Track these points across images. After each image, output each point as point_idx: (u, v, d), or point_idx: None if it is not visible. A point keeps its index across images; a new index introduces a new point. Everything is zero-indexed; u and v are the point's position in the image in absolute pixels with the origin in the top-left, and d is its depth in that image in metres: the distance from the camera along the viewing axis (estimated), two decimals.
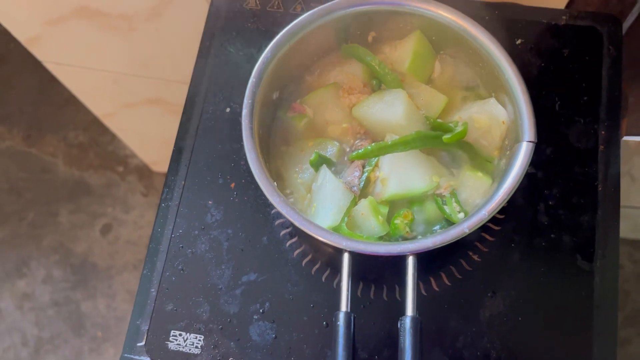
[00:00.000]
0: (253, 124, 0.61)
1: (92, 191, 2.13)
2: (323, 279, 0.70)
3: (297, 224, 0.57)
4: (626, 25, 0.88)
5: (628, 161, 1.49)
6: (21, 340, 1.94)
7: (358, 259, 0.68)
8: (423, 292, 0.69)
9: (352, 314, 0.54)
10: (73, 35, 1.20)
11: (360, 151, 0.63)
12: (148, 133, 1.69)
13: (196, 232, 0.72)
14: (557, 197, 0.71)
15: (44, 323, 1.96)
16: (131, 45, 1.22)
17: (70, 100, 2.16)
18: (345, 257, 0.57)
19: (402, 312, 0.55)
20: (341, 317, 0.53)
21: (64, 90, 1.50)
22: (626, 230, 1.81)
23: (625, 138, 1.22)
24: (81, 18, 1.12)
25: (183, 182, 0.75)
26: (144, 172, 2.11)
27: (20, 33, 1.23)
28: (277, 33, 0.65)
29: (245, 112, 0.60)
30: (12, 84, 2.24)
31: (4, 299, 1.98)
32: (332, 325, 0.67)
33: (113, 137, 2.15)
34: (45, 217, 2.09)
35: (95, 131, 2.19)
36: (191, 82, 0.80)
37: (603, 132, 0.74)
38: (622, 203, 0.72)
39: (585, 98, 0.75)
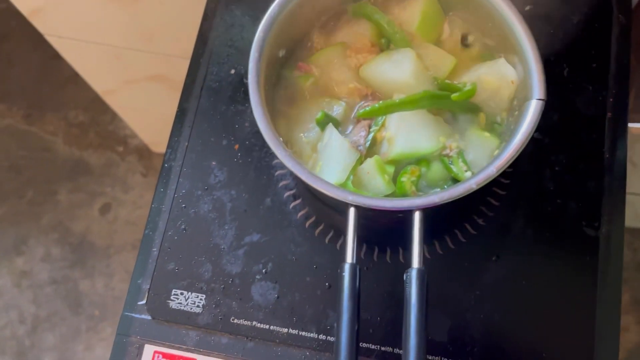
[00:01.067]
0: (259, 79, 0.60)
1: (91, 171, 2.13)
2: (326, 241, 0.69)
3: (303, 177, 0.56)
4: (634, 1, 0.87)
5: (630, 148, 1.48)
6: (18, 318, 1.94)
7: (363, 220, 0.68)
8: (427, 254, 0.68)
9: (357, 266, 0.53)
10: (75, 6, 1.19)
11: (367, 109, 0.63)
12: (148, 111, 1.68)
13: (199, 192, 0.72)
14: (564, 163, 0.71)
15: (41, 301, 1.96)
16: (134, 18, 1.20)
17: (71, 79, 2.15)
18: (351, 212, 0.56)
19: (408, 266, 0.55)
20: (347, 268, 0.52)
21: (65, 68, 1.49)
22: (628, 218, 1.81)
23: (630, 125, 1.22)
24: None
25: (186, 144, 0.74)
26: (143, 152, 2.11)
27: (23, 5, 1.21)
28: None
29: (251, 65, 0.60)
30: (13, 62, 2.23)
31: (1, 276, 1.98)
32: (334, 286, 0.67)
33: (113, 116, 2.14)
34: (45, 196, 2.09)
35: (95, 111, 2.18)
36: (195, 43, 0.79)
37: (611, 100, 0.73)
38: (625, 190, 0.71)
39: (594, 65, 0.75)
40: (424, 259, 0.67)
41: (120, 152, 2.14)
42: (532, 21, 0.76)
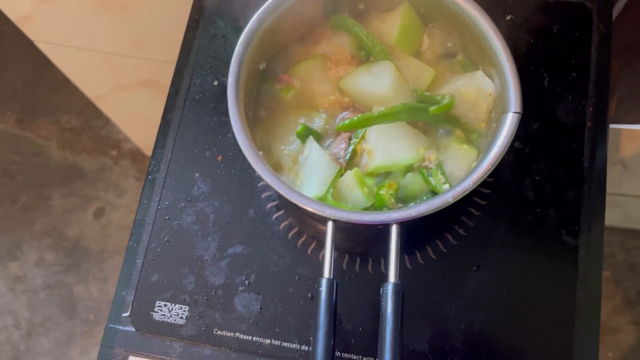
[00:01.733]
0: (239, 93, 0.60)
1: (85, 175, 2.13)
2: (309, 252, 0.70)
3: (281, 192, 0.57)
4: (618, 7, 0.88)
5: (620, 149, 1.49)
6: (13, 323, 1.94)
7: (344, 232, 0.68)
8: (408, 265, 0.69)
9: (335, 281, 0.54)
10: (64, 13, 1.19)
11: (346, 122, 0.63)
12: (141, 116, 1.68)
13: (182, 204, 0.72)
14: (544, 172, 0.71)
15: (36, 306, 1.96)
16: (123, 24, 1.21)
17: (63, 84, 2.15)
18: (330, 226, 0.57)
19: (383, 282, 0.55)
20: (324, 283, 0.53)
21: (57, 73, 1.50)
22: (617, 218, 1.82)
23: (617, 126, 1.22)
24: None
25: (170, 155, 0.74)
26: (137, 156, 2.11)
27: (12, 12, 1.22)
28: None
29: (230, 80, 0.60)
30: (5, 66, 2.23)
31: None
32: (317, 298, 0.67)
33: (106, 121, 2.14)
34: (38, 201, 2.09)
35: (88, 115, 2.18)
36: (179, 54, 0.80)
37: (591, 109, 0.74)
38: (614, 191, 0.72)
39: (574, 74, 0.75)
40: (404, 270, 0.68)
41: (114, 156, 2.14)
42: (513, 31, 0.77)
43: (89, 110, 2.16)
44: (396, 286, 0.52)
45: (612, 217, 1.78)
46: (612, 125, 0.78)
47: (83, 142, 2.18)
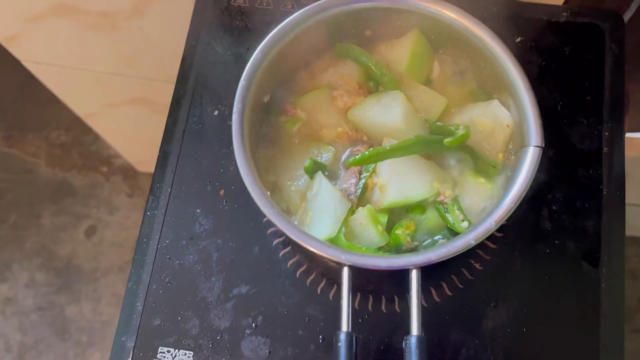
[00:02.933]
0: (244, 130, 0.57)
1: (75, 192, 2.08)
2: (319, 291, 0.67)
3: (294, 237, 0.53)
4: (625, 18, 0.85)
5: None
6: (4, 346, 1.89)
7: (355, 269, 0.65)
8: (423, 302, 0.66)
9: (354, 335, 0.50)
10: (52, 33, 1.16)
11: (356, 157, 0.60)
12: (133, 133, 1.64)
13: (184, 242, 0.69)
14: (561, 202, 0.69)
15: (27, 328, 1.91)
16: (114, 44, 1.17)
17: (52, 99, 2.09)
18: (345, 272, 0.53)
19: (403, 326, 0.52)
20: (342, 337, 0.50)
21: (46, 88, 1.46)
22: None
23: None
24: (60, 15, 1.08)
25: (169, 190, 0.71)
26: (128, 172, 2.07)
27: None
28: (267, 32, 0.61)
29: (235, 117, 0.57)
30: None
31: None
32: (328, 340, 0.64)
33: (97, 136, 2.10)
34: (28, 219, 2.04)
35: (78, 130, 2.13)
36: (177, 83, 0.76)
37: (607, 134, 0.71)
38: None
39: (588, 98, 0.73)
40: (421, 307, 0.65)
41: (105, 172, 2.10)
42: (523, 53, 0.74)
43: (79, 126, 2.11)
44: (420, 339, 0.49)
45: None
46: None
47: (73, 158, 2.13)
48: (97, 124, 1.62)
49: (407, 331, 0.51)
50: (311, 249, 0.53)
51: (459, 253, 0.52)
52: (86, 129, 2.08)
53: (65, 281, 1.97)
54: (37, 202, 2.06)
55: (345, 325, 0.51)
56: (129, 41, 1.15)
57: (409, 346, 0.49)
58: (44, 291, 1.96)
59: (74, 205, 2.07)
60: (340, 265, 0.54)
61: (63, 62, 1.29)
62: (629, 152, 1.50)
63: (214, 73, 0.76)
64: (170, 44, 1.11)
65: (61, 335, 1.91)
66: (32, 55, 1.28)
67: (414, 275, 0.52)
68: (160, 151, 0.73)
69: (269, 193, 0.57)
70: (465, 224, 0.58)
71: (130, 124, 1.57)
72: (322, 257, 0.64)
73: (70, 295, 1.96)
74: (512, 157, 0.60)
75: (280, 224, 0.53)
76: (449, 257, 0.52)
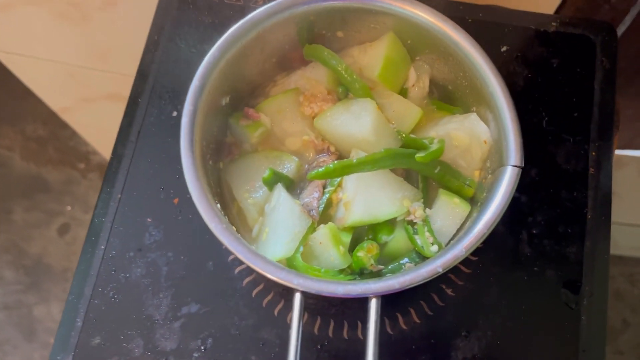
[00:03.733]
0: (194, 136, 0.51)
1: (50, 188, 2.01)
2: (276, 313, 0.61)
3: (241, 257, 0.48)
4: (619, 31, 0.81)
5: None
6: None
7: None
8: (389, 329, 0.60)
9: None
10: (22, 22, 1.10)
11: (320, 170, 0.54)
12: (109, 129, 1.58)
13: (131, 254, 0.63)
14: (542, 225, 0.64)
15: None
16: (86, 36, 1.12)
17: (29, 92, 2.04)
18: (297, 298, 0.48)
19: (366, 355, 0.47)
20: None
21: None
22: None
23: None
24: (29, 4, 1.02)
25: (119, 196, 0.65)
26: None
27: None
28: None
29: (184, 121, 0.51)
30: None
31: None
32: None
33: (74, 132, 2.03)
34: None
35: (55, 125, 2.07)
36: (135, 80, 0.70)
37: (594, 153, 0.66)
38: None
39: (576, 114, 0.68)
40: (384, 335, 0.59)
41: (81, 169, 2.03)
42: (509, 64, 0.69)
43: (56, 120, 2.04)
44: None
45: None
46: None
47: (49, 153, 2.06)
48: (72, 119, 1.57)
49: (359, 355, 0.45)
50: (260, 270, 0.47)
51: (424, 281, 0.47)
52: (64, 124, 2.02)
53: (34, 280, 1.91)
54: (8, 197, 1.99)
55: (292, 357, 0.45)
56: (102, 34, 1.10)
57: None
58: (12, 289, 1.89)
59: (47, 202, 2.00)
60: (292, 294, 0.48)
61: (35, 53, 1.24)
62: (618, 170, 1.45)
63: (175, 71, 0.70)
64: (143, 38, 1.06)
65: (27, 336, 1.84)
66: (1, 45, 1.23)
67: (373, 305, 0.47)
68: (112, 153, 0.68)
69: (218, 205, 0.52)
70: (434, 248, 0.53)
71: (106, 120, 1.51)
72: None
73: (39, 295, 1.89)
74: (490, 175, 0.55)
75: (227, 241, 0.48)
76: (413, 286, 0.47)
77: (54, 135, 2.07)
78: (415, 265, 0.53)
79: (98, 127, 1.61)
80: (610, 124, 0.67)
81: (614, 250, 1.83)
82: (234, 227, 0.52)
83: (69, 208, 2.01)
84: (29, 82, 1.40)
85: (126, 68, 1.22)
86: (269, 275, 0.47)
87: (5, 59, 1.30)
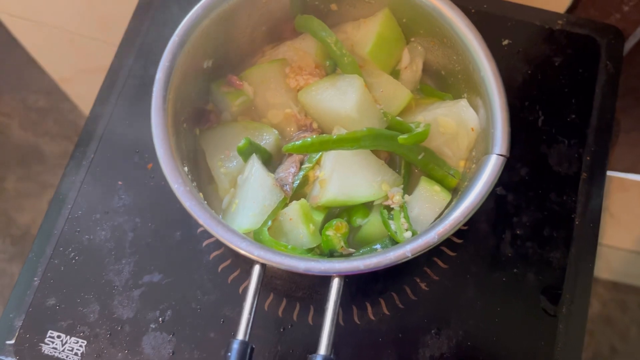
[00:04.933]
0: (168, 93, 0.49)
1: (45, 159, 1.99)
2: (240, 291, 0.59)
3: (201, 221, 0.45)
4: (627, 46, 0.78)
5: (608, 197, 1.41)
6: None
7: (283, 272, 0.57)
8: (356, 319, 0.58)
9: (251, 345, 0.42)
10: None
11: (297, 143, 0.52)
12: None
13: (98, 215, 0.61)
14: (527, 227, 0.61)
15: None
16: (90, 5, 1.11)
17: (34, 62, 2.02)
18: (256, 270, 0.45)
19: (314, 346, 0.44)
20: (234, 347, 0.41)
21: (27, 50, 1.39)
22: (599, 269, 1.73)
23: (609, 173, 1.13)
24: None
25: (92, 155, 0.63)
26: None
27: None
28: None
29: (159, 76, 0.49)
30: None
31: None
32: None
33: (75, 105, 2.02)
34: None
35: (57, 97, 2.05)
36: (122, 41, 0.68)
37: (588, 158, 0.63)
38: (598, 241, 0.62)
39: (573, 116, 0.65)
40: (351, 325, 0.57)
41: None
42: (509, 58, 0.66)
43: (59, 92, 2.03)
44: None
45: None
46: None
47: (48, 125, 2.04)
48: (72, 90, 1.55)
49: (315, 349, 0.42)
50: (220, 238, 0.45)
51: (390, 265, 0.44)
52: (66, 96, 2.00)
53: (19, 250, 1.88)
54: (2, 165, 1.97)
55: (242, 332, 0.42)
56: (105, 4, 1.09)
57: None
58: None
59: (41, 173, 1.98)
60: (253, 263, 0.46)
61: (38, 17, 1.23)
62: (619, 193, 1.42)
63: (164, 34, 0.67)
64: None
65: None
66: (6, 7, 1.22)
67: (335, 284, 0.44)
68: (90, 112, 0.66)
69: (186, 168, 0.49)
70: (408, 234, 0.50)
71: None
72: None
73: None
74: (474, 165, 0.52)
75: (188, 204, 0.45)
76: (378, 269, 0.44)
77: (55, 107, 2.05)
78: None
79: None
80: (608, 130, 0.64)
81: (608, 275, 1.80)
82: (201, 194, 0.50)
83: None
84: (30, 48, 1.38)
85: None
86: (228, 244, 0.45)
87: (9, 22, 1.29)
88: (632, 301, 1.83)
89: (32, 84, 2.06)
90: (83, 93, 1.57)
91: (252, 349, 0.42)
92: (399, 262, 0.45)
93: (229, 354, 0.41)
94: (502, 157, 0.48)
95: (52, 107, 2.05)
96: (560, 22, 0.68)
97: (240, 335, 0.42)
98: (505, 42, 0.67)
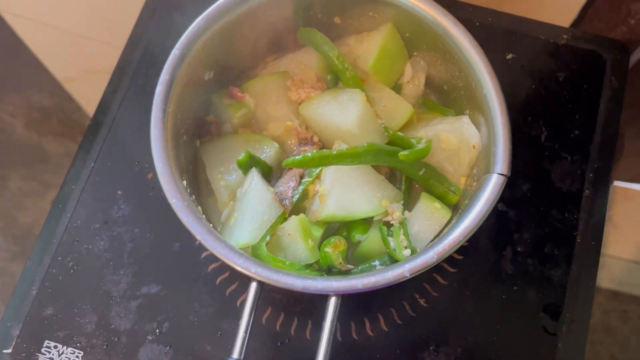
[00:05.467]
0: (167, 107, 0.49)
1: (48, 159, 2.00)
2: (237, 304, 0.58)
3: (198, 237, 0.45)
4: (633, 59, 0.77)
5: (611, 207, 1.40)
6: None
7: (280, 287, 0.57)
8: (354, 334, 0.57)
9: None
10: None
11: (297, 157, 0.51)
12: None
13: (97, 225, 0.60)
14: (528, 243, 0.60)
15: None
16: (93, 5, 1.11)
17: (39, 62, 2.03)
18: (253, 287, 0.45)
19: None
20: None
21: (32, 50, 1.39)
22: (600, 278, 1.72)
23: (614, 183, 1.13)
24: None
25: (92, 164, 0.63)
26: None
27: None
28: None
29: (159, 89, 0.49)
30: None
31: None
32: None
33: (79, 105, 2.02)
34: None
35: (61, 97, 2.04)
36: (125, 48, 0.68)
37: (591, 175, 0.63)
38: (601, 251, 0.61)
39: (577, 132, 0.64)
40: (349, 340, 0.56)
41: None
42: (512, 72, 0.66)
43: (63, 92, 2.03)
44: None
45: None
46: None
47: (52, 124, 2.04)
48: (75, 90, 1.56)
49: None
50: (217, 254, 0.44)
51: (388, 285, 0.44)
52: (69, 97, 2.00)
53: (22, 249, 1.89)
54: (6, 164, 1.97)
55: (237, 351, 0.42)
56: (108, 4, 1.08)
57: None
58: None
59: (44, 173, 1.98)
60: (250, 280, 0.46)
61: (42, 18, 1.23)
62: (622, 203, 1.41)
63: (167, 42, 0.67)
64: None
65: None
66: (10, 6, 1.22)
67: (332, 303, 0.44)
68: (91, 120, 0.65)
69: (185, 182, 0.49)
70: (407, 252, 0.50)
71: None
72: None
73: (24, 265, 1.87)
74: (474, 183, 0.51)
75: (185, 218, 0.45)
76: (377, 288, 0.44)
77: (59, 107, 2.05)
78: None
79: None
80: (612, 146, 0.64)
81: (610, 284, 1.79)
82: (199, 207, 0.50)
83: None
84: (34, 47, 1.39)
85: None
86: (226, 260, 0.45)
87: (14, 22, 1.29)
88: (633, 311, 1.82)
89: (37, 83, 2.06)
90: (87, 93, 1.58)
91: None
92: (397, 281, 0.44)
93: None
94: (503, 177, 0.47)
95: (55, 107, 2.06)
96: (565, 36, 0.68)
97: (236, 354, 0.42)
98: (510, 56, 0.66)
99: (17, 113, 2.05)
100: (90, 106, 1.66)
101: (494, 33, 0.67)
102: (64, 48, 1.33)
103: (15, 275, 1.84)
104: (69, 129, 2.03)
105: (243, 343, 0.42)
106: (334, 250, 0.49)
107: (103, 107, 0.66)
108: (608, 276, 1.70)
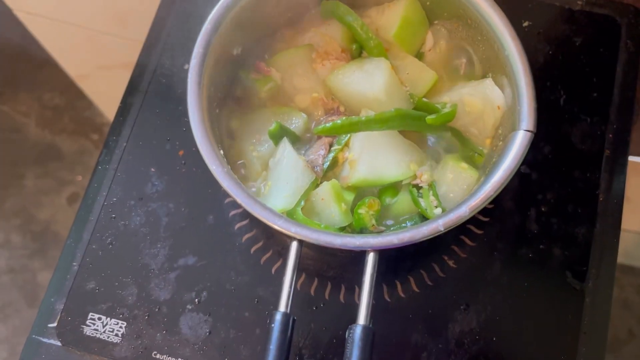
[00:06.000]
0: (202, 79, 0.51)
1: (62, 157, 2.02)
2: (273, 271, 0.60)
3: (239, 200, 0.47)
4: None
5: (625, 181, 1.40)
6: None
7: (315, 251, 0.59)
8: (386, 297, 0.59)
9: (292, 317, 0.44)
10: None
11: (327, 125, 0.53)
12: None
13: (132, 202, 0.62)
14: (551, 204, 0.62)
15: None
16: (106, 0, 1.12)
17: (50, 60, 2.05)
18: (294, 247, 0.47)
19: (354, 317, 0.46)
20: (278, 318, 0.43)
21: (43, 49, 1.41)
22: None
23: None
24: None
25: (125, 144, 0.65)
26: None
27: None
28: None
29: (194, 62, 0.50)
30: None
31: None
32: None
33: (91, 102, 2.04)
34: (10, 179, 1.98)
35: (73, 95, 2.07)
36: (149, 31, 0.70)
37: (610, 135, 0.64)
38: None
39: (595, 95, 0.66)
40: (381, 302, 0.58)
41: (95, 140, 2.03)
42: (530, 39, 0.67)
43: (74, 90, 2.05)
44: (366, 330, 0.43)
45: None
46: None
47: (64, 122, 2.07)
48: (89, 87, 1.57)
49: (347, 326, 0.44)
50: (258, 216, 0.46)
51: (423, 239, 0.45)
52: (81, 94, 2.02)
53: (40, 246, 1.91)
54: (22, 162, 2.00)
55: (283, 304, 0.44)
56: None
57: (352, 337, 0.42)
58: (18, 254, 1.90)
59: (59, 170, 2.01)
60: (289, 242, 0.47)
61: (55, 15, 1.24)
62: (635, 177, 1.43)
63: (190, 24, 0.69)
64: None
65: (30, 301, 1.85)
66: (24, 5, 1.23)
67: (371, 259, 0.46)
68: (121, 102, 0.67)
69: (222, 151, 0.51)
70: (438, 211, 0.51)
71: (122, 90, 1.51)
72: (281, 235, 0.58)
73: (44, 261, 1.90)
74: (500, 143, 0.53)
75: (227, 185, 0.47)
76: (412, 242, 0.46)
77: (71, 105, 2.07)
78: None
79: (114, 97, 1.61)
80: (630, 107, 0.65)
81: (625, 259, 1.80)
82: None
83: (79, 178, 2.01)
84: (48, 45, 1.40)
85: (144, 36, 1.21)
86: (266, 221, 0.46)
87: (27, 20, 1.30)
88: None
89: (48, 82, 2.09)
90: (100, 90, 1.59)
91: (294, 320, 0.44)
92: (432, 236, 0.46)
93: (273, 324, 0.43)
94: (529, 133, 0.49)
95: (67, 105, 2.08)
96: (580, 2, 0.69)
97: (282, 308, 0.44)
98: (526, 23, 0.68)
99: (30, 113, 2.07)
100: (102, 102, 1.68)
101: (510, 1, 0.68)
102: (76, 44, 1.34)
103: (35, 272, 1.87)
104: (82, 127, 2.06)
105: (289, 297, 0.44)
106: (368, 210, 0.51)
107: (131, 88, 0.67)
108: (624, 251, 1.71)
